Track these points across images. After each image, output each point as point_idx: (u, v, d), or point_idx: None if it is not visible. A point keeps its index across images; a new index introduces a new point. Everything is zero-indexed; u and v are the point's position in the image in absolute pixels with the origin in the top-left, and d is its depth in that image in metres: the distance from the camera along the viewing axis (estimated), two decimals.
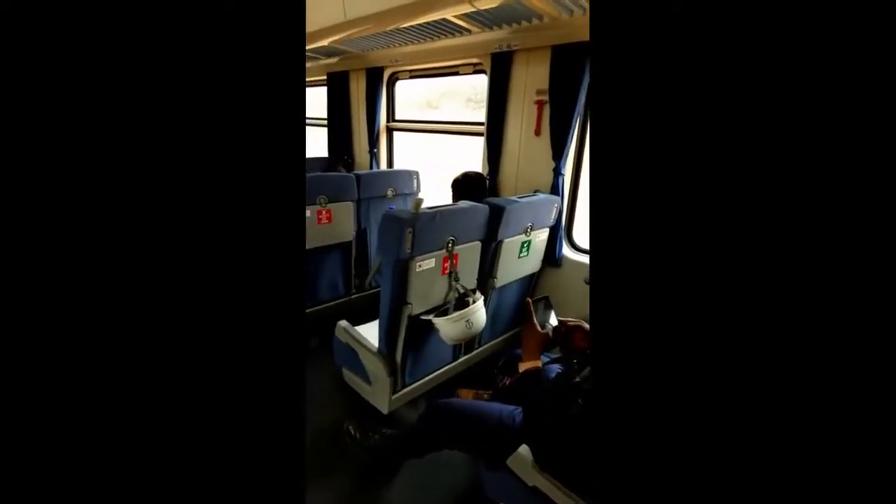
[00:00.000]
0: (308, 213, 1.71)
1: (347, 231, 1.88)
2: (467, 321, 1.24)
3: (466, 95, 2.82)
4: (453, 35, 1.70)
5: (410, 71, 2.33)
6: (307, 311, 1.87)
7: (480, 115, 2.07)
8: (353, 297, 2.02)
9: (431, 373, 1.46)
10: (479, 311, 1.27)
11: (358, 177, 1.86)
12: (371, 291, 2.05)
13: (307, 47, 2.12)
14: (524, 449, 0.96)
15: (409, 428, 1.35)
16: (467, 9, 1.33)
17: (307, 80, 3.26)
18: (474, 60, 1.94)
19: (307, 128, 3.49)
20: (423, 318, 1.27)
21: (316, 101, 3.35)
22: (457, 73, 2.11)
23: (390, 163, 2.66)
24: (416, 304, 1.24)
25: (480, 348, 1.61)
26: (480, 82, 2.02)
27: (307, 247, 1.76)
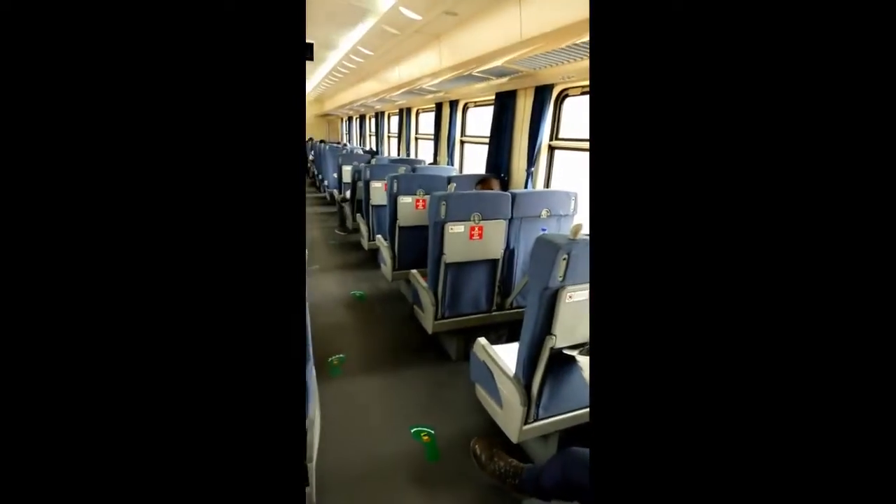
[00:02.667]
0: (461, 228, 1.78)
1: (497, 249, 1.89)
2: None
3: None
4: None
5: (582, 87, 2.23)
6: (448, 319, 1.94)
7: None
8: (494, 313, 2.01)
9: (568, 412, 1.34)
10: None
11: (514, 196, 1.85)
12: (511, 311, 2.02)
13: (480, 69, 2.22)
14: None
15: (539, 467, 1.25)
16: None
17: (476, 101, 3.45)
18: None
19: (470, 145, 3.69)
20: (567, 352, 1.17)
21: (479, 121, 3.51)
22: None
23: (548, 182, 2.59)
24: (561, 337, 1.15)
25: None
26: None
27: (457, 260, 1.83)
